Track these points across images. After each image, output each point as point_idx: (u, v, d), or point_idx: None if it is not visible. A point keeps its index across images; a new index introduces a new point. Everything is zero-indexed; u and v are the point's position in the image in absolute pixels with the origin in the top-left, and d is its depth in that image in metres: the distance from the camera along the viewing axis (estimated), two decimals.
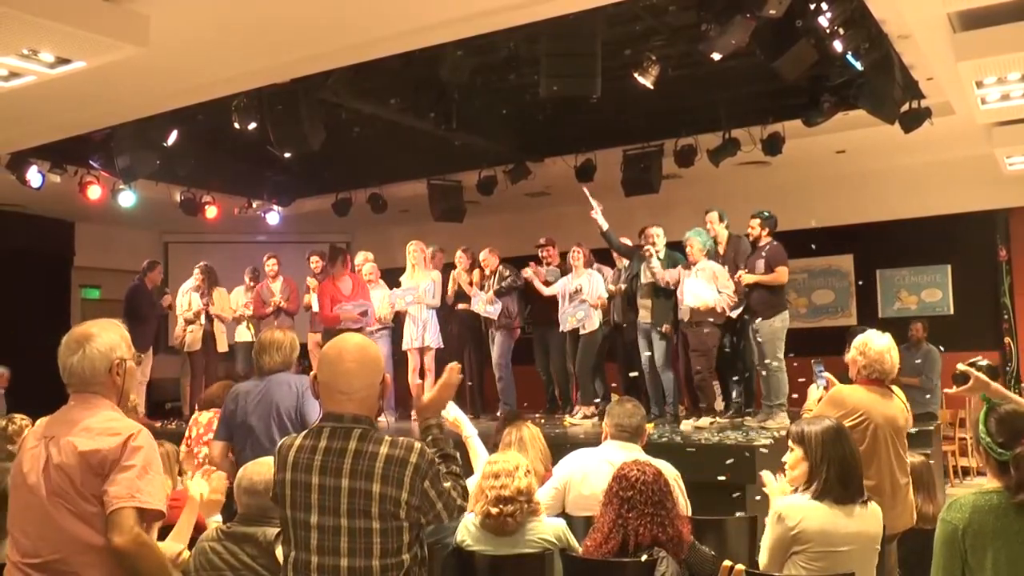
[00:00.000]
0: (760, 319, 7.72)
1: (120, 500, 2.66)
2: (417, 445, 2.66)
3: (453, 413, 4.63)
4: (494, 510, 3.80)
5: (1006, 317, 10.91)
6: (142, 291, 10.10)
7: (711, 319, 7.77)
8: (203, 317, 10.32)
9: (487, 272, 9.55)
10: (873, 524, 3.56)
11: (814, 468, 3.57)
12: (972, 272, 11.29)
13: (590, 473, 4.46)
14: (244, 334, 10.49)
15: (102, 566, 2.67)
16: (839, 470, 3.52)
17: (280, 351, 4.75)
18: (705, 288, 7.70)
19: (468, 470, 3.51)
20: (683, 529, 3.73)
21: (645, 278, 8.22)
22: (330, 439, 2.64)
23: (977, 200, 10.84)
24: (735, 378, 8.39)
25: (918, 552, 4.35)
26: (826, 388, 4.78)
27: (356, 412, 2.67)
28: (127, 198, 10.47)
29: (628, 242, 8.83)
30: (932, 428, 8.68)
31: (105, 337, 2.87)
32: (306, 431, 2.74)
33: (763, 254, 7.76)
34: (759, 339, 7.72)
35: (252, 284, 10.66)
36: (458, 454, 2.86)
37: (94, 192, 10.18)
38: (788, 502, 3.56)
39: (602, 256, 9.33)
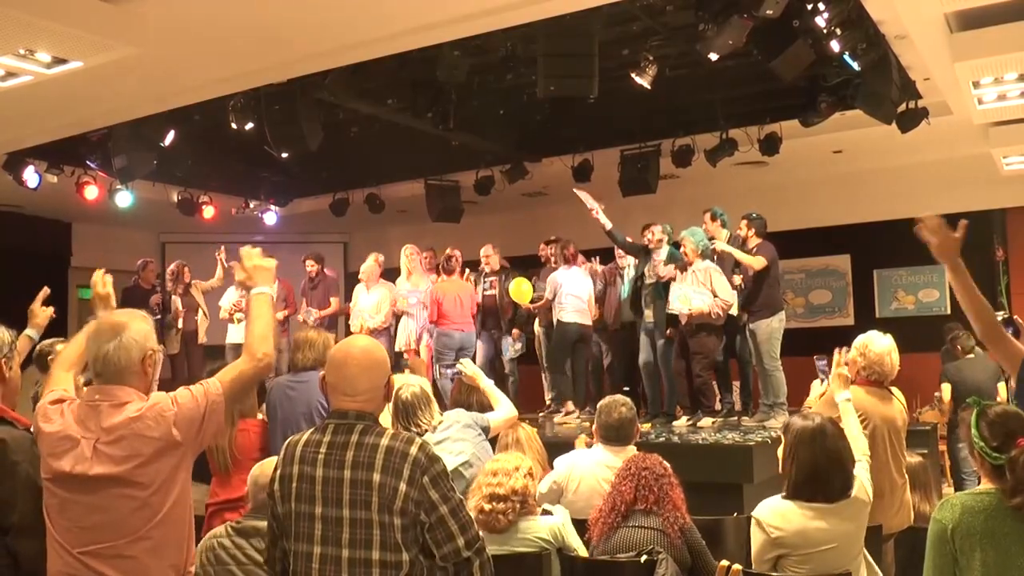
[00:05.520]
0: (756, 319, 7.72)
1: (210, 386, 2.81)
2: (418, 440, 2.71)
3: (471, 368, 5.07)
4: (487, 506, 3.83)
5: (1003, 317, 10.92)
6: (137, 292, 10.07)
7: (710, 322, 7.74)
8: (180, 319, 10.25)
9: (487, 271, 9.55)
10: (854, 517, 3.52)
11: (784, 463, 3.59)
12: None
13: (585, 477, 4.48)
14: (238, 335, 10.34)
15: (155, 551, 2.70)
16: (806, 472, 3.48)
17: (313, 349, 4.86)
18: (695, 292, 7.63)
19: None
20: (673, 496, 3.89)
21: (649, 278, 8.21)
22: (334, 434, 2.71)
23: (974, 200, 10.83)
24: (735, 380, 8.40)
25: (914, 551, 4.37)
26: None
27: (360, 410, 2.73)
28: (124, 198, 10.45)
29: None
30: (928, 428, 8.69)
31: (138, 325, 2.85)
32: (313, 427, 2.81)
33: (751, 253, 7.76)
34: (756, 339, 7.72)
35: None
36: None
37: (91, 192, 10.17)
38: (765, 507, 3.55)
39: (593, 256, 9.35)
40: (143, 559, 2.68)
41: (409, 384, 4.78)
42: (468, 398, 5.00)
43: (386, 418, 4.79)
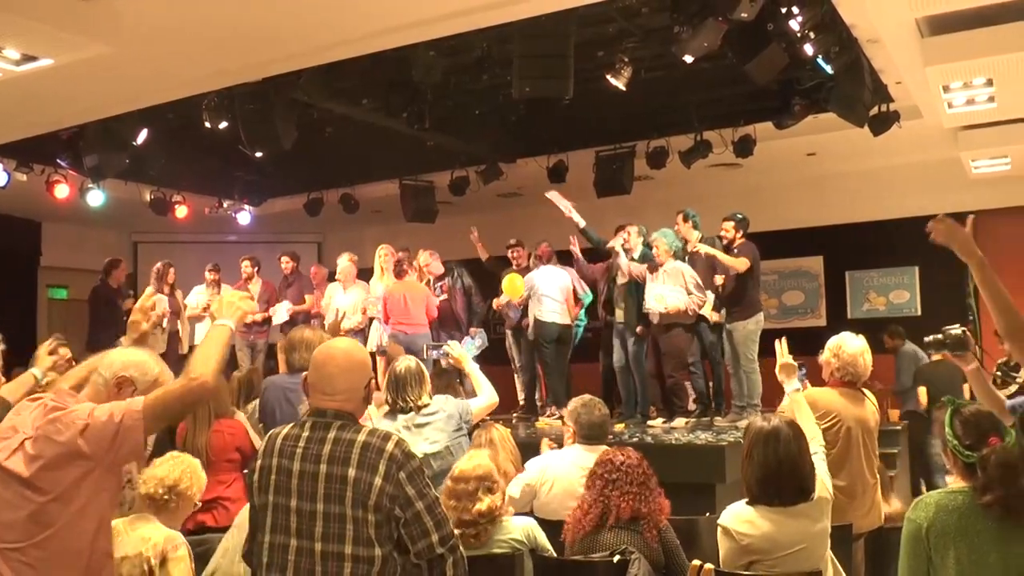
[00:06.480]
0: (733, 320, 7.76)
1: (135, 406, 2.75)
2: (395, 436, 2.75)
3: (457, 350, 5.18)
4: (456, 531, 3.80)
5: (971, 318, 11.03)
6: (104, 292, 9.95)
7: (681, 321, 7.75)
8: (165, 319, 10.08)
9: (431, 278, 9.47)
10: (820, 517, 3.53)
11: (742, 465, 3.59)
12: (939, 274, 11.42)
13: (560, 478, 4.48)
14: None
15: (48, 564, 2.64)
16: (759, 475, 3.47)
17: (309, 349, 4.82)
18: (671, 291, 7.65)
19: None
20: (663, 504, 3.87)
21: (621, 279, 8.22)
22: (312, 430, 2.75)
23: (944, 203, 10.86)
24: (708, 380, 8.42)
25: (878, 549, 4.44)
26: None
27: (339, 409, 2.77)
28: (96, 197, 10.32)
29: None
30: (900, 428, 8.78)
31: (141, 355, 2.97)
32: (293, 423, 2.84)
33: (735, 253, 7.80)
34: (733, 341, 7.75)
35: (215, 280, 10.38)
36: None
37: (61, 191, 10.05)
38: (730, 514, 3.54)
39: (565, 258, 9.34)
40: (38, 568, 2.63)
41: (405, 359, 4.81)
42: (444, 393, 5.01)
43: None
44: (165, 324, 10.03)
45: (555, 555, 3.93)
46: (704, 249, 7.83)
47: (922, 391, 8.93)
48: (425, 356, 7.98)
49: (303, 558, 2.64)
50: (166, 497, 3.66)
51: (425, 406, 4.61)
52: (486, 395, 4.95)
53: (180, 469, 3.75)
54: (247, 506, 2.97)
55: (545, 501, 4.51)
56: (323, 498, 2.65)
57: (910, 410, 9.32)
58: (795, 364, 4.23)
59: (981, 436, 2.79)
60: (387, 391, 4.66)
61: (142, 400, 2.77)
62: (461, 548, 2.81)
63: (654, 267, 7.85)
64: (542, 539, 3.95)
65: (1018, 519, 2.70)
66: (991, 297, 3.04)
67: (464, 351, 5.28)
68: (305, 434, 2.74)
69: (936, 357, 8.26)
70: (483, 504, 3.79)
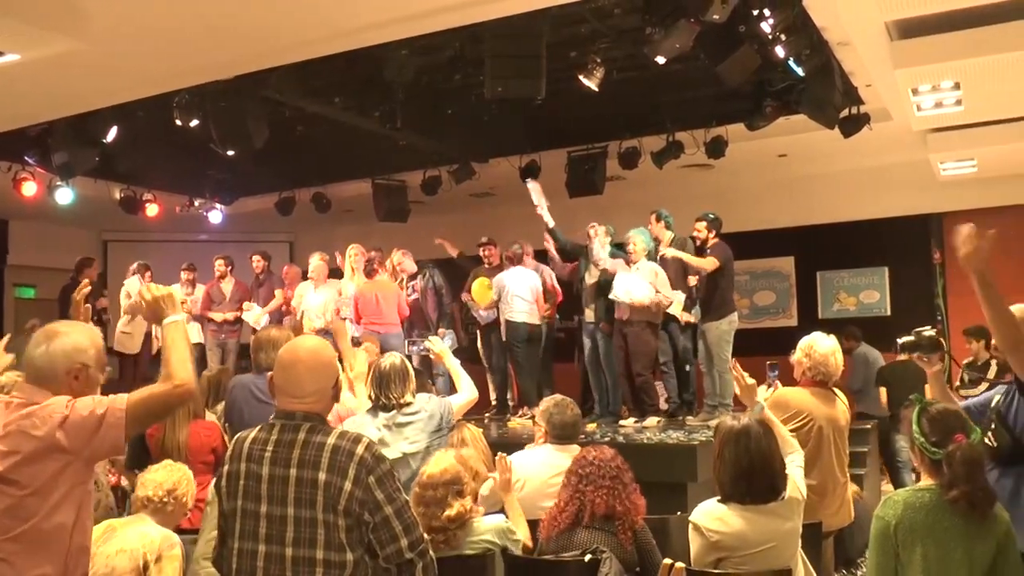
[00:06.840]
0: (706, 321, 7.79)
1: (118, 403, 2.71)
2: (364, 439, 2.71)
3: (439, 345, 5.18)
4: (426, 536, 3.78)
5: (939, 318, 11.17)
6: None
7: (648, 320, 7.75)
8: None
9: (404, 278, 9.47)
10: (790, 516, 3.55)
11: (714, 463, 3.61)
12: (908, 274, 11.56)
13: (531, 478, 4.47)
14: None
15: (25, 557, 2.62)
16: (731, 472, 3.51)
17: (276, 348, 4.72)
18: (638, 285, 7.63)
19: None
20: (638, 503, 3.86)
21: (589, 278, 8.24)
22: (281, 432, 2.71)
23: (913, 204, 11.11)
24: (679, 378, 8.46)
25: (840, 545, 4.49)
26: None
27: (307, 411, 2.73)
28: (64, 195, 10.19)
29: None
30: (869, 427, 8.86)
31: (73, 337, 2.84)
32: (260, 425, 2.80)
33: (707, 253, 7.84)
34: (707, 341, 7.78)
35: (190, 280, 10.35)
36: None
37: (29, 189, 9.93)
38: (702, 511, 3.57)
39: (542, 256, 9.34)
40: (14, 563, 2.61)
41: (391, 355, 4.79)
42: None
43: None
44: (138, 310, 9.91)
45: (531, 548, 3.93)
46: (671, 253, 7.84)
47: (882, 391, 9.03)
48: (407, 352, 7.96)
49: (273, 564, 2.60)
50: (164, 500, 3.84)
51: (408, 404, 4.58)
52: (466, 391, 4.93)
53: (178, 475, 3.95)
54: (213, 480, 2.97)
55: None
56: (293, 502, 2.61)
57: (861, 412, 9.36)
58: (753, 385, 4.08)
59: (947, 434, 2.84)
60: (370, 387, 4.64)
61: (125, 399, 2.74)
62: (431, 552, 2.79)
63: (629, 262, 7.88)
64: (515, 536, 3.89)
65: (983, 516, 2.75)
66: (993, 311, 3.10)
67: (445, 346, 5.25)
68: (274, 437, 2.70)
69: (901, 357, 8.34)
70: (452, 510, 3.73)
